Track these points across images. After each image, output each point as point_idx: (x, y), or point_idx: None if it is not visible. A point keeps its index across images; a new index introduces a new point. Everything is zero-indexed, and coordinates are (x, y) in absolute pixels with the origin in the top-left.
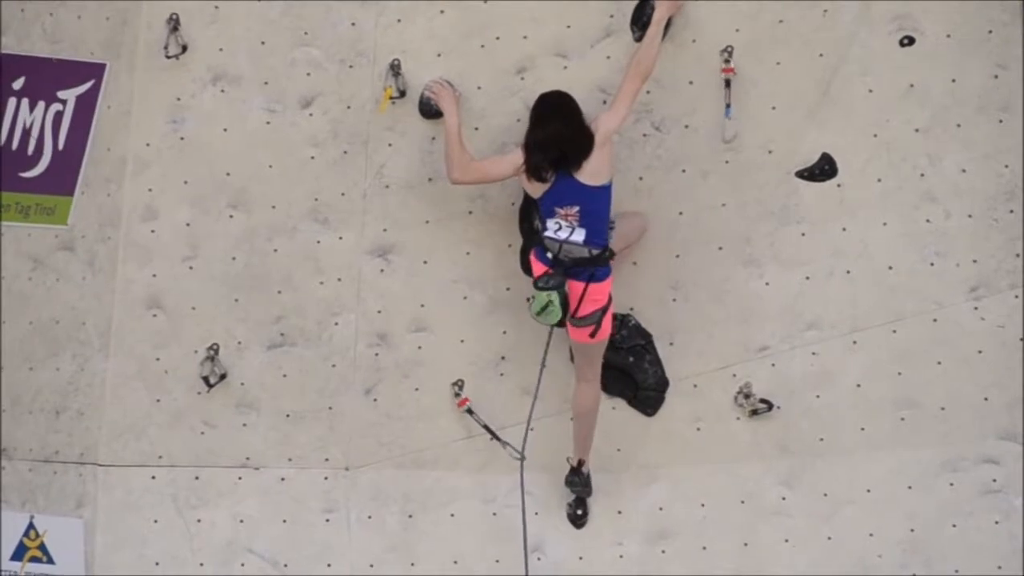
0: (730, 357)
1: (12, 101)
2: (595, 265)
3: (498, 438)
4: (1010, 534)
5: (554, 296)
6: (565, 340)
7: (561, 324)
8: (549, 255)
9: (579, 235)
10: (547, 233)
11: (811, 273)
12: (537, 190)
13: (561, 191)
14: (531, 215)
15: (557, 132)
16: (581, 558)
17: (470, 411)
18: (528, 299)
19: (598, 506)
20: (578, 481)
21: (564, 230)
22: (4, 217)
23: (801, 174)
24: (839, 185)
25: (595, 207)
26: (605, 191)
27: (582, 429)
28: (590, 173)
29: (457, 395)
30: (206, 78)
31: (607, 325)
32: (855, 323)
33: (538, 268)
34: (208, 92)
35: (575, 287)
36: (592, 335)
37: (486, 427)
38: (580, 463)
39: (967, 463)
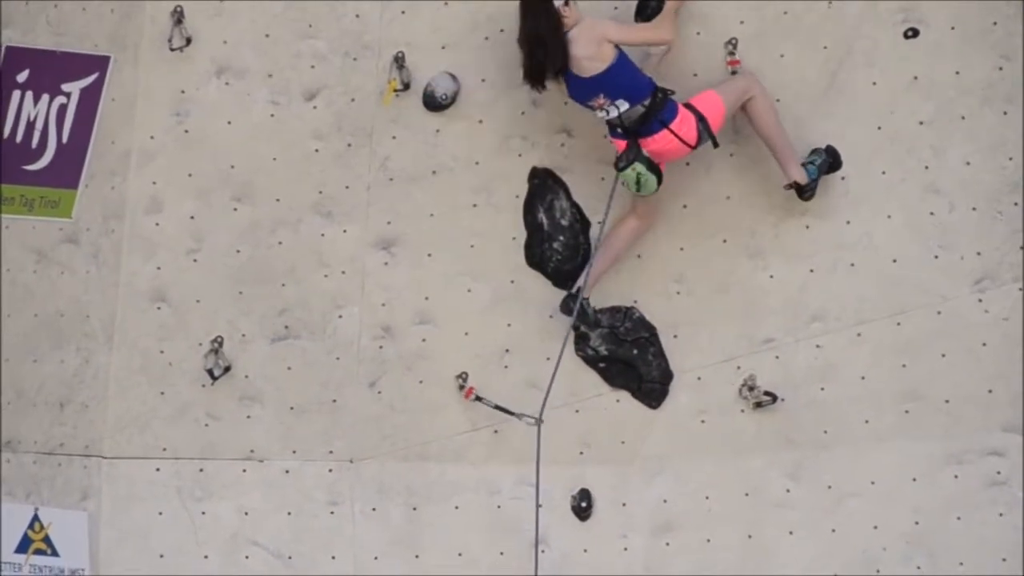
0: (734, 349)
1: (16, 94)
2: (659, 111)
3: (511, 412)
4: (1015, 526)
5: (638, 167)
6: (570, 334)
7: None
8: (618, 130)
9: (624, 105)
10: (602, 116)
11: (815, 265)
12: (562, 92)
13: (576, 89)
14: (535, 207)
15: (526, 35)
16: (586, 550)
17: (479, 398)
18: (620, 183)
19: (602, 499)
20: (575, 308)
21: (611, 110)
22: (9, 210)
23: (806, 166)
24: (843, 177)
25: (617, 83)
26: (617, 65)
27: (608, 261)
28: (587, 66)
29: (461, 387)
30: (210, 71)
31: (716, 121)
32: (859, 315)
33: (619, 144)
34: (212, 85)
35: (662, 139)
36: (716, 145)
37: (497, 406)
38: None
39: (972, 455)
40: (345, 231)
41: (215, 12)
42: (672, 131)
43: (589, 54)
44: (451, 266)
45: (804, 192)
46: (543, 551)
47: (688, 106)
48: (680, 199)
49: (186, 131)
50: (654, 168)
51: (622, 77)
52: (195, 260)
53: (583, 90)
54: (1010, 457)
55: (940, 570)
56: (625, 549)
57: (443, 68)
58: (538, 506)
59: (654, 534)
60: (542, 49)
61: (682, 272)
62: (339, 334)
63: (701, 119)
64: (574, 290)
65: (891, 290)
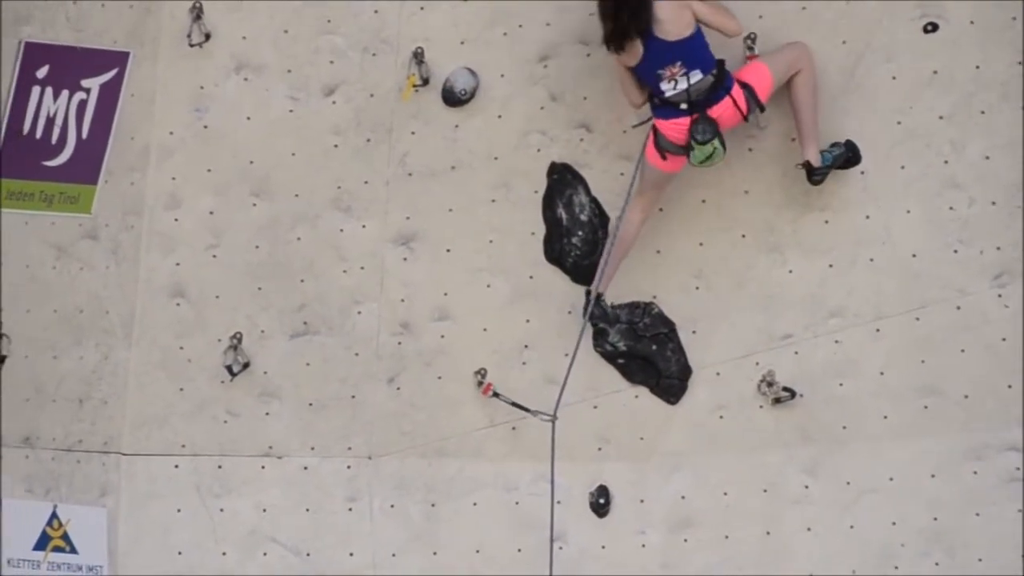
0: (753, 345)
1: (36, 89)
2: (724, 80)
3: (527, 409)
4: None
5: (717, 143)
6: (588, 330)
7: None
8: (683, 106)
9: (696, 76)
10: (670, 94)
11: (834, 261)
12: (632, 59)
13: (655, 55)
14: (554, 203)
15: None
16: (603, 547)
17: (496, 394)
18: (687, 151)
19: (620, 495)
20: (597, 312)
21: (681, 81)
22: (28, 206)
23: (823, 153)
24: (862, 172)
25: (694, 52)
26: (696, 36)
27: (621, 258)
28: (673, 30)
29: (480, 383)
30: (229, 66)
31: (764, 92)
32: (878, 311)
33: (673, 126)
34: (231, 80)
35: (725, 106)
36: (762, 109)
37: (514, 403)
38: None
39: (990, 451)
40: (364, 227)
41: (234, 8)
42: (733, 98)
43: (677, 17)
44: (470, 262)
45: (814, 175)
46: (561, 547)
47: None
48: (698, 194)
49: (205, 127)
50: (724, 144)
51: (700, 46)
52: (214, 256)
53: (664, 55)
54: None
55: (958, 566)
56: (643, 545)
57: (462, 63)
58: (553, 502)
59: (672, 530)
60: (627, 10)
61: (701, 267)
62: (358, 330)
63: (745, 86)
64: (592, 295)
65: (910, 285)
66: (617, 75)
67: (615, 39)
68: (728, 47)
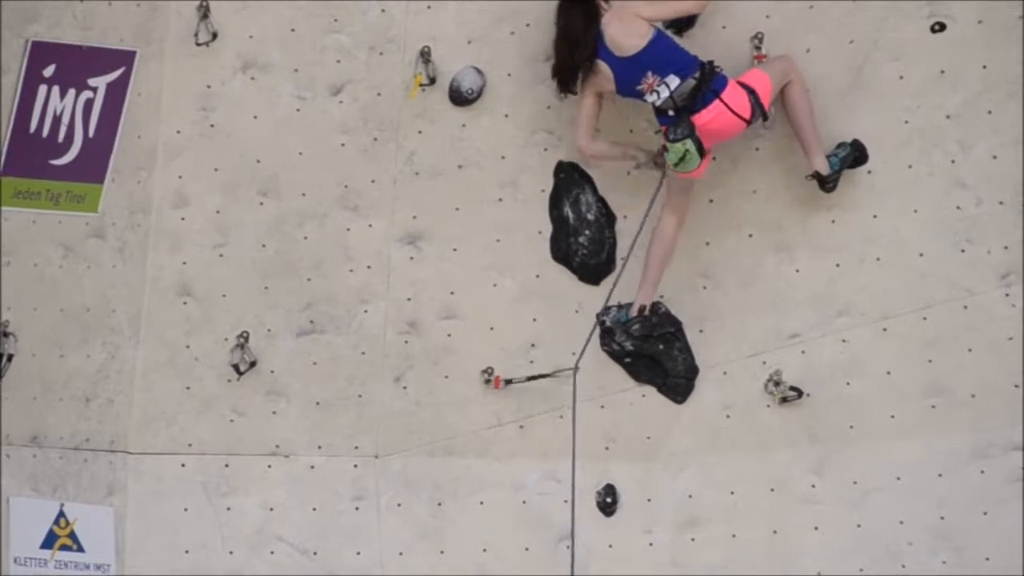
0: (760, 344)
1: (43, 88)
2: (710, 83)
3: (547, 375)
4: None
5: (689, 144)
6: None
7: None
8: (670, 113)
9: (674, 81)
10: (657, 104)
11: (842, 260)
12: (607, 83)
13: (625, 73)
14: (561, 202)
15: (561, 34)
16: (611, 546)
17: (509, 381)
18: (663, 150)
19: (627, 494)
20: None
21: (663, 90)
22: (35, 205)
23: (829, 159)
24: (870, 171)
25: (662, 57)
26: (657, 39)
27: (664, 265)
28: (627, 44)
29: (487, 382)
30: (236, 65)
31: (765, 98)
32: (885, 310)
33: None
34: (238, 79)
35: (715, 110)
36: (766, 118)
37: (530, 377)
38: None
39: (997, 450)
40: (371, 225)
41: (241, 7)
42: (723, 101)
43: (625, 31)
44: (477, 260)
45: (825, 183)
46: (568, 547)
47: (737, 82)
48: (706, 193)
49: (212, 126)
50: (701, 150)
51: (665, 51)
52: (221, 255)
53: (631, 71)
54: None
55: (966, 565)
56: (650, 544)
57: (469, 63)
58: (574, 476)
59: (679, 529)
60: (572, 46)
61: (708, 267)
62: (365, 329)
63: (751, 92)
64: (636, 308)
65: (917, 284)
66: (578, 109)
67: (560, 77)
68: (731, 49)
